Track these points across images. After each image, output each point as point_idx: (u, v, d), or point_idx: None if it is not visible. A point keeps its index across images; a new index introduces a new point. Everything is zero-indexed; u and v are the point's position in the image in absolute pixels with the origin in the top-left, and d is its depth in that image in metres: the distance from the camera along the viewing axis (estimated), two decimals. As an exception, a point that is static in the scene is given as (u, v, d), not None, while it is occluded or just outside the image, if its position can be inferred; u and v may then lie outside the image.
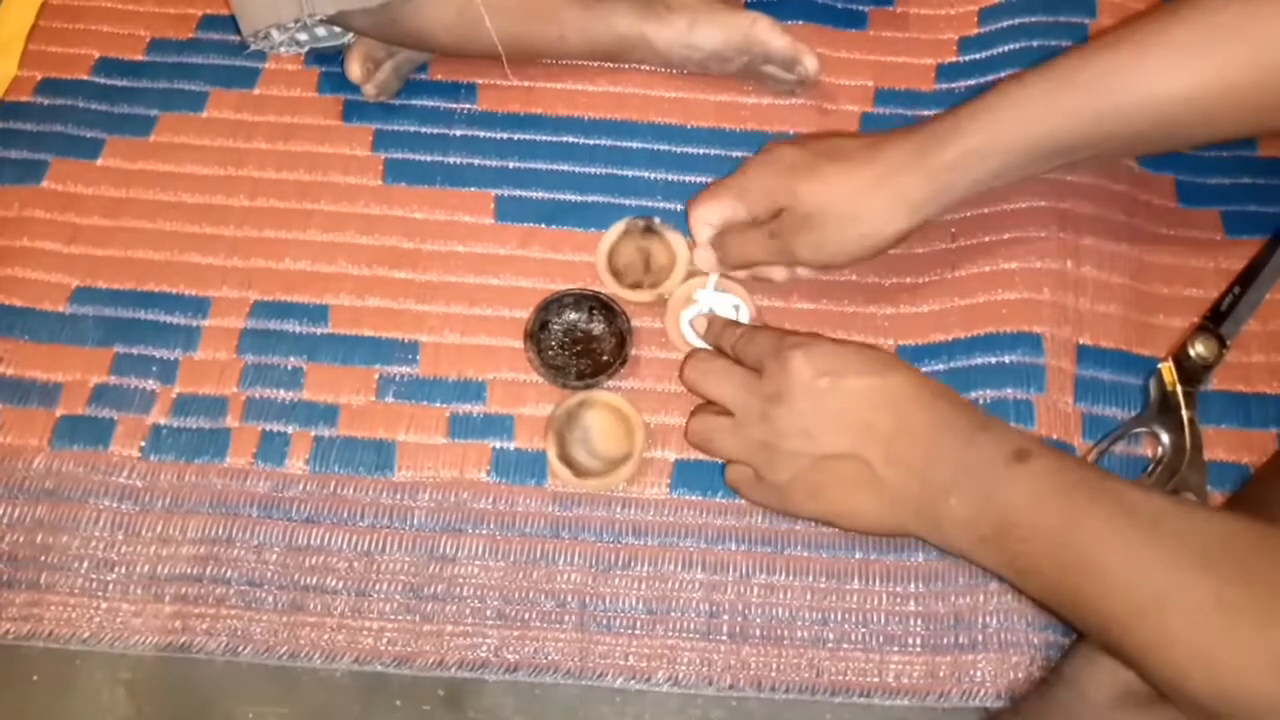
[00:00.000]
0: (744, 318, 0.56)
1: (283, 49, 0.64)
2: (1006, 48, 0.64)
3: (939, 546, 0.47)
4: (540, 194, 0.61)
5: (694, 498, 0.54)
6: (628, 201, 0.61)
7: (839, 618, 0.51)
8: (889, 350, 0.57)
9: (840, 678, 0.50)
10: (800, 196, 0.52)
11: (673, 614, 0.51)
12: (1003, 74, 0.63)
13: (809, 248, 0.53)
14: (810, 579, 0.52)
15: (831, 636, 0.51)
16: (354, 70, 0.62)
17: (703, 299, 0.57)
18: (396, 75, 0.64)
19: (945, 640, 0.50)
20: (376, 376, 0.57)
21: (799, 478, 0.48)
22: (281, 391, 0.56)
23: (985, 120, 0.49)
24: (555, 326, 0.57)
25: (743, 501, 0.54)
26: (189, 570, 0.52)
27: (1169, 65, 0.47)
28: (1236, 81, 0.46)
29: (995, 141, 0.49)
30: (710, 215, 0.56)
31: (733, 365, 0.52)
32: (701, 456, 0.54)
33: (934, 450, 0.46)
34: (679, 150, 0.63)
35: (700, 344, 0.56)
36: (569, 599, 0.52)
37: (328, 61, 0.65)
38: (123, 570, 0.52)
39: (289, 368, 0.57)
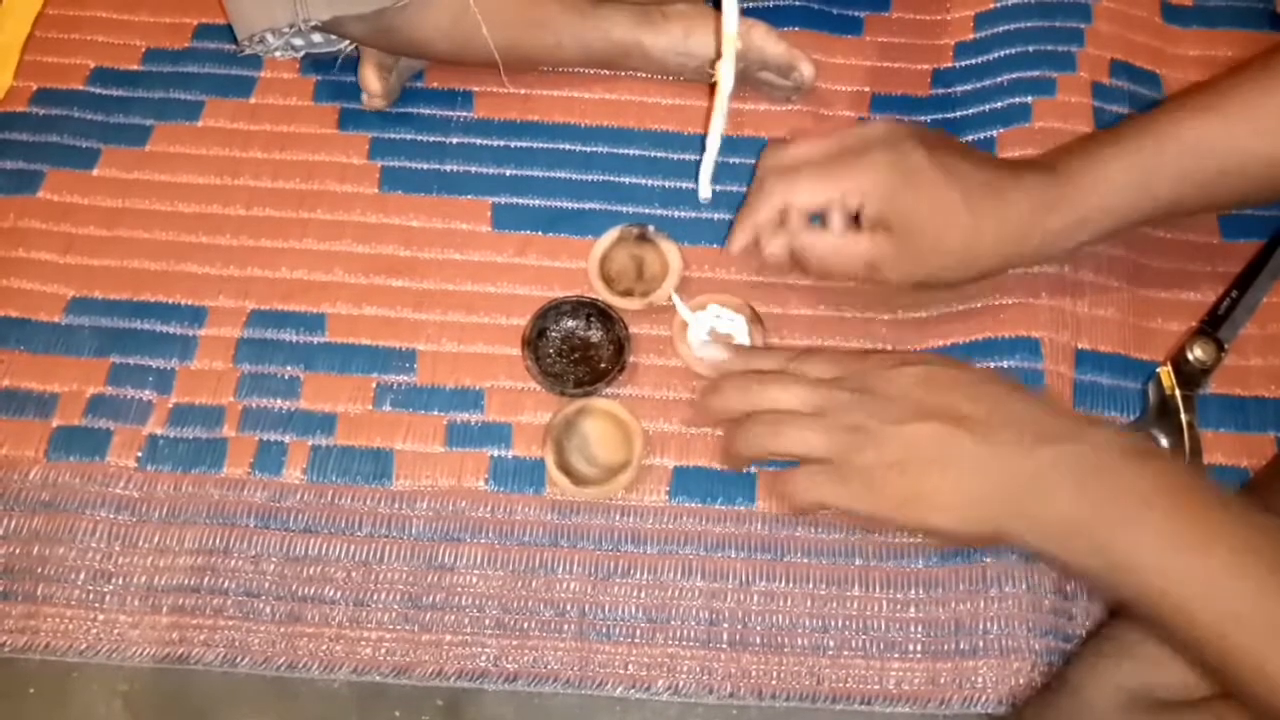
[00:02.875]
0: (744, 340, 0.55)
1: (278, 53, 0.64)
2: (1002, 53, 0.64)
3: (1015, 542, 0.45)
4: (537, 201, 0.61)
5: (693, 505, 0.54)
6: (624, 209, 0.61)
7: (839, 625, 0.51)
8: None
9: (841, 685, 0.50)
10: (911, 211, 0.51)
11: (672, 622, 0.51)
12: (1000, 79, 0.63)
13: (906, 264, 0.52)
14: (810, 586, 0.52)
15: (832, 644, 0.51)
16: (372, 82, 0.62)
17: (705, 320, 0.56)
18: (398, 82, 0.64)
19: (946, 646, 0.50)
20: (374, 385, 0.56)
21: (888, 459, 0.46)
22: (278, 401, 0.56)
23: (1094, 191, 0.50)
24: (553, 334, 0.57)
25: (742, 508, 0.53)
26: (186, 581, 0.52)
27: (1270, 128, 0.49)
28: None
29: (1102, 212, 0.51)
30: (809, 197, 0.52)
31: (798, 376, 0.50)
32: (701, 463, 0.54)
33: (1035, 433, 0.45)
34: (676, 157, 0.63)
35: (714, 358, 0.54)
36: (568, 607, 0.51)
37: (324, 70, 0.65)
38: (120, 581, 0.52)
39: (286, 377, 0.57)
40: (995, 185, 0.51)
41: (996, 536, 0.45)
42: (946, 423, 0.46)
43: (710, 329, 0.56)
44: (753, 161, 0.62)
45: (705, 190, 0.61)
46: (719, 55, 0.55)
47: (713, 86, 0.56)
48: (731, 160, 0.62)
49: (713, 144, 0.58)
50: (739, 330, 0.56)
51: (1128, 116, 0.53)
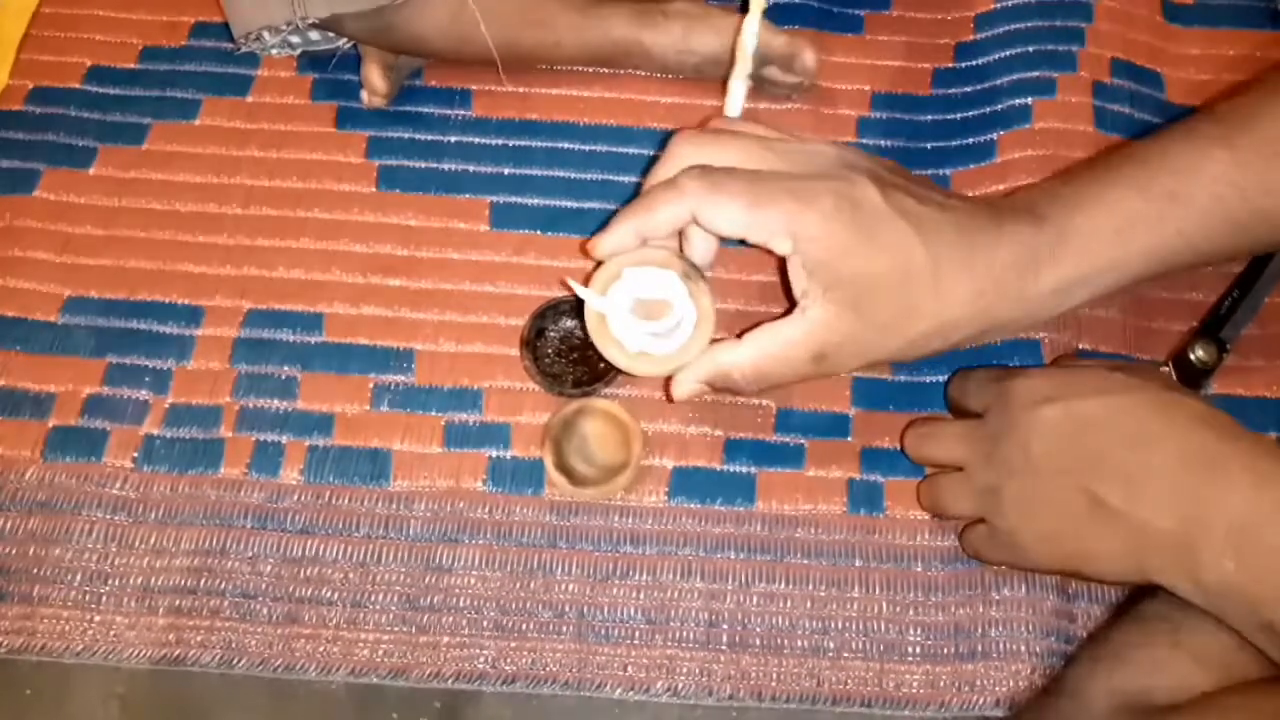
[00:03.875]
0: (687, 310, 0.45)
1: (274, 51, 0.64)
2: (1003, 54, 0.64)
3: (1186, 595, 0.41)
4: (536, 200, 0.61)
5: (692, 505, 0.54)
6: (624, 208, 0.61)
7: (839, 626, 0.51)
8: (1144, 366, 0.52)
9: (841, 687, 0.50)
10: (863, 274, 0.41)
11: (672, 623, 0.51)
12: (999, 81, 0.63)
13: (860, 347, 0.43)
14: (810, 587, 0.52)
15: (832, 645, 0.50)
16: (377, 82, 0.61)
17: (627, 284, 0.45)
18: (397, 81, 0.64)
19: (945, 650, 0.50)
20: (371, 385, 0.56)
21: (1027, 522, 0.44)
22: (275, 401, 0.56)
23: (1088, 245, 0.43)
24: (552, 334, 0.57)
25: (741, 509, 0.53)
26: (183, 582, 0.52)
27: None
28: None
29: (1096, 269, 0.44)
30: (727, 223, 0.42)
31: (950, 420, 0.49)
32: (700, 463, 0.54)
33: (1194, 490, 0.40)
34: (675, 156, 0.62)
35: (631, 348, 0.46)
36: (567, 609, 0.51)
37: (321, 68, 0.65)
38: (116, 582, 0.52)
39: (283, 377, 0.56)
40: (970, 236, 0.42)
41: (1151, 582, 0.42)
42: (1085, 488, 0.42)
43: (635, 301, 0.45)
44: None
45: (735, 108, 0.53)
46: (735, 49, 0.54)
47: (728, 73, 0.55)
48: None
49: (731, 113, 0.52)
50: (673, 291, 0.45)
51: (1115, 148, 0.44)
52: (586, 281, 0.45)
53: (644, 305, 0.44)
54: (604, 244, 0.44)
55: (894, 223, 0.41)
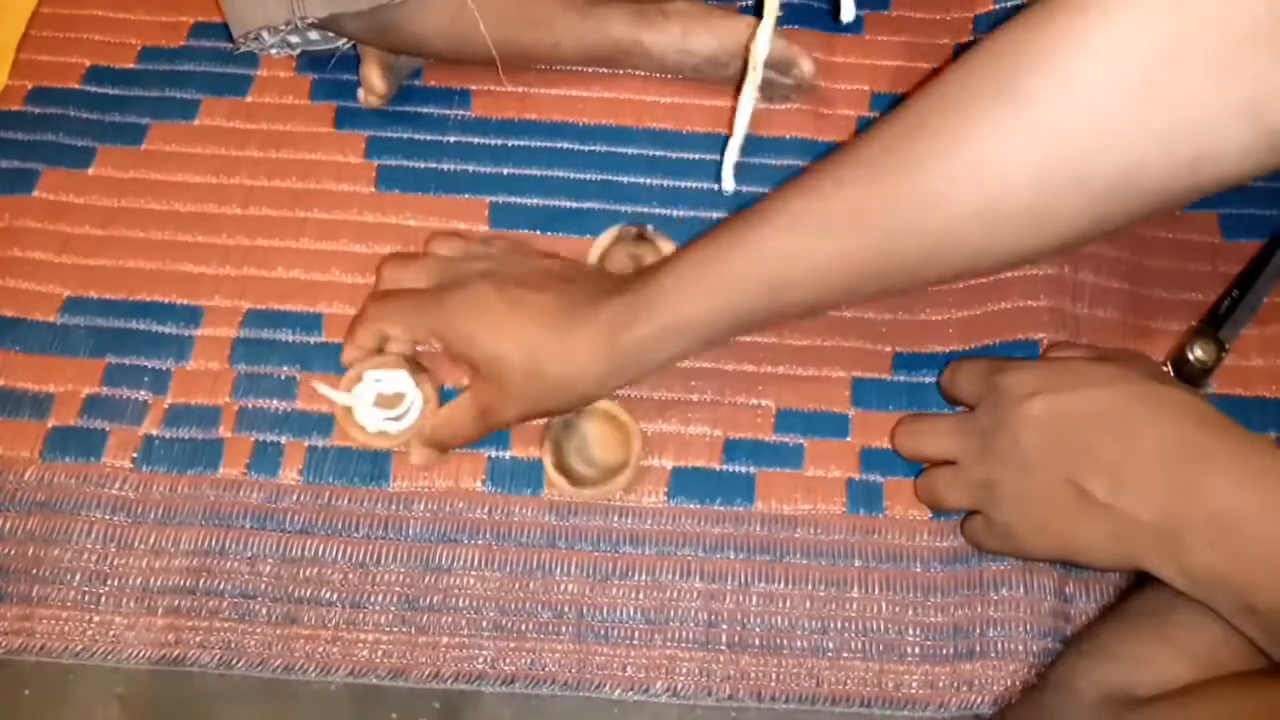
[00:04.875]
0: (416, 397, 0.54)
1: (274, 51, 0.64)
2: (1003, 52, 0.64)
3: (1173, 582, 0.42)
4: (535, 200, 0.61)
5: (692, 506, 0.54)
6: (623, 208, 0.61)
7: (839, 626, 0.51)
8: (1134, 355, 0.53)
9: (840, 687, 0.50)
10: (491, 350, 0.50)
11: (671, 624, 0.51)
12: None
13: (510, 404, 0.51)
14: (809, 587, 0.52)
15: (831, 646, 0.50)
16: (376, 83, 0.61)
17: (369, 383, 0.54)
18: (396, 81, 0.64)
19: (944, 650, 0.50)
20: (371, 385, 0.56)
21: (1021, 514, 0.46)
22: (275, 401, 0.56)
23: (669, 301, 0.48)
24: (550, 334, 0.57)
25: (741, 509, 0.53)
26: (182, 582, 0.52)
27: (813, 242, 0.45)
28: (872, 263, 0.45)
29: (677, 322, 0.48)
30: (402, 332, 0.54)
31: (939, 416, 0.52)
32: (700, 464, 0.54)
33: (1176, 480, 0.42)
34: (674, 156, 0.62)
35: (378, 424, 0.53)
36: (566, 609, 0.51)
37: (320, 68, 0.65)
38: (115, 583, 0.52)
39: (282, 377, 0.56)
40: (572, 309, 0.49)
41: (1140, 567, 0.44)
42: (1073, 480, 0.44)
43: (377, 395, 0.54)
44: (752, 161, 0.62)
45: (729, 182, 0.59)
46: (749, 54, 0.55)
47: (740, 75, 0.55)
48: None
49: (741, 125, 0.55)
50: (404, 384, 0.54)
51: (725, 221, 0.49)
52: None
53: (384, 399, 0.54)
54: (345, 356, 0.56)
55: (504, 310, 0.50)
